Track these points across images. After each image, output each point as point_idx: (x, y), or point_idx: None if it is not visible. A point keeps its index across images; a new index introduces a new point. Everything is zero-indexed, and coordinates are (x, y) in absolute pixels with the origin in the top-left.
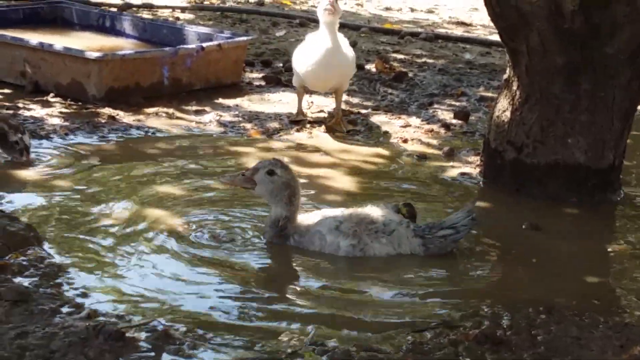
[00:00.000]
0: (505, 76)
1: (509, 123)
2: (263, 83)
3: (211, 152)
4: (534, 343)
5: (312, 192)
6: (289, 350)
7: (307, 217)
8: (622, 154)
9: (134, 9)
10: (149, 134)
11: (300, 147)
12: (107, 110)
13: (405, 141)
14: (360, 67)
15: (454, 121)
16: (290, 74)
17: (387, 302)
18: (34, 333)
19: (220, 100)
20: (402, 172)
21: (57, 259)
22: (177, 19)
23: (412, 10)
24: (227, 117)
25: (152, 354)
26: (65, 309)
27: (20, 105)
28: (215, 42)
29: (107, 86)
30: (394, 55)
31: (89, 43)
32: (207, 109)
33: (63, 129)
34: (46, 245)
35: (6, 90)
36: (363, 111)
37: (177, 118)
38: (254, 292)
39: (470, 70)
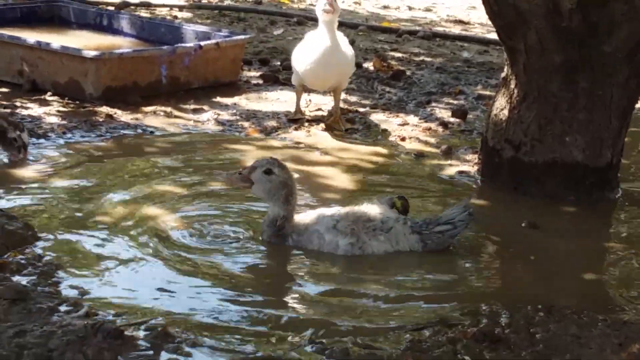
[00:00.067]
0: (503, 74)
1: (506, 121)
2: (261, 81)
3: (209, 150)
4: (533, 341)
5: (311, 190)
6: (288, 349)
7: (305, 216)
8: (620, 152)
9: (132, 7)
10: (147, 132)
11: (298, 145)
12: (105, 109)
13: (403, 139)
14: (358, 65)
15: (452, 119)
16: (288, 72)
17: (385, 300)
18: (32, 331)
19: (218, 99)
20: (400, 171)
21: (55, 257)
22: (175, 17)
23: (410, 8)
24: (225, 115)
25: (151, 352)
26: (63, 308)
27: (18, 104)
28: (213, 41)
29: (104, 85)
30: (392, 53)
31: (86, 42)
32: (205, 107)
33: (61, 127)
34: (44, 244)
35: (4, 89)
36: (361, 109)
37: (175, 117)
38: (252, 291)
39: (468, 68)
